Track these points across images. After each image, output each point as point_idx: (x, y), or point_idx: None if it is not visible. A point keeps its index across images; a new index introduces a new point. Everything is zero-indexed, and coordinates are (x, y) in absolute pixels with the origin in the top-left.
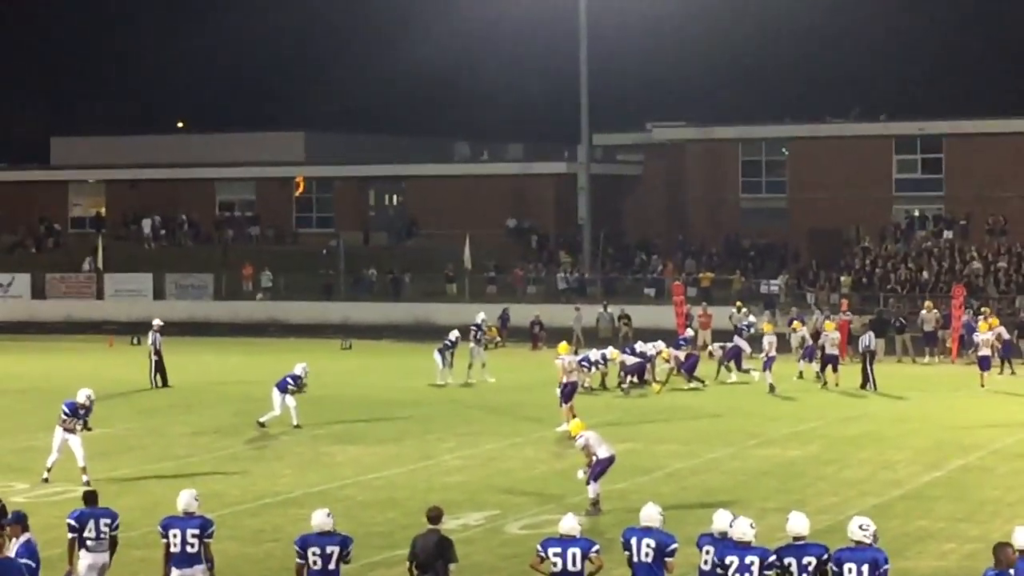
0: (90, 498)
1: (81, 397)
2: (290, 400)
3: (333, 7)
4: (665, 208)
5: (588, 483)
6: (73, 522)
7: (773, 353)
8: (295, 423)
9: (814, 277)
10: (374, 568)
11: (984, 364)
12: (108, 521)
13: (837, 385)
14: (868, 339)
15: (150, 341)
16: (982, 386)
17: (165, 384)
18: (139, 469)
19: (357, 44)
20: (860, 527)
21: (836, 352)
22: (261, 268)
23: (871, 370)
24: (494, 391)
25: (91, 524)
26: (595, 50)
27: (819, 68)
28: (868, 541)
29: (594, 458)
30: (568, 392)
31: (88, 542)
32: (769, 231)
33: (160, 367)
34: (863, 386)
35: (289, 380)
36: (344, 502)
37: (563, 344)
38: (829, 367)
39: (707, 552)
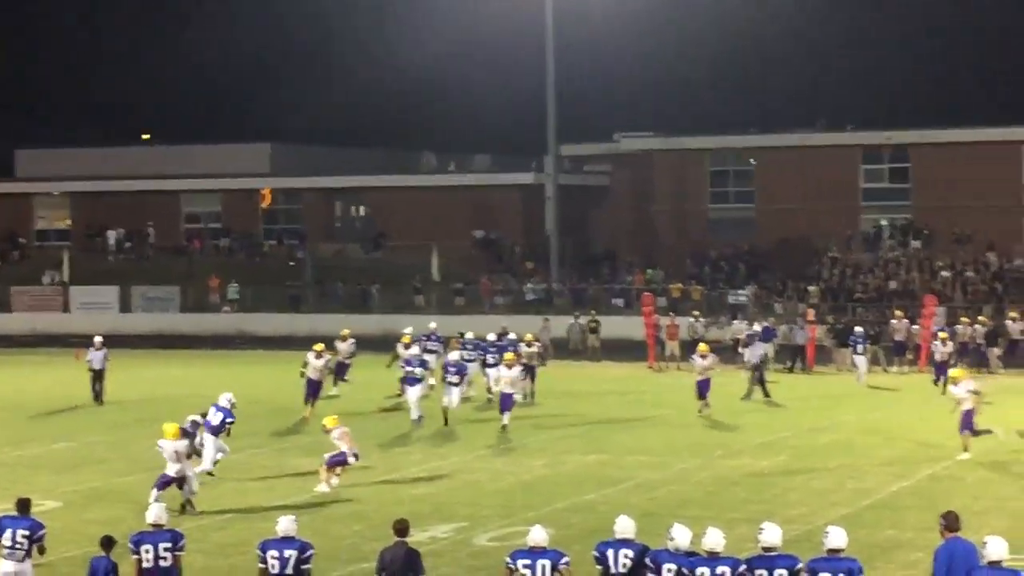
0: (21, 506)
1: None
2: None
3: (299, 20)
4: (633, 218)
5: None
6: None
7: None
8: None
9: (782, 287)
10: None
11: None
12: (26, 533)
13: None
14: (760, 349)
15: (88, 357)
16: None
17: (99, 400)
18: (105, 483)
19: (323, 56)
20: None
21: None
22: (228, 280)
23: (762, 381)
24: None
25: (8, 533)
26: (562, 60)
27: (786, 78)
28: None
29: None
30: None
31: (4, 551)
32: (737, 241)
33: (95, 383)
34: (766, 395)
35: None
36: (311, 515)
37: (508, 354)
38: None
39: (669, 570)
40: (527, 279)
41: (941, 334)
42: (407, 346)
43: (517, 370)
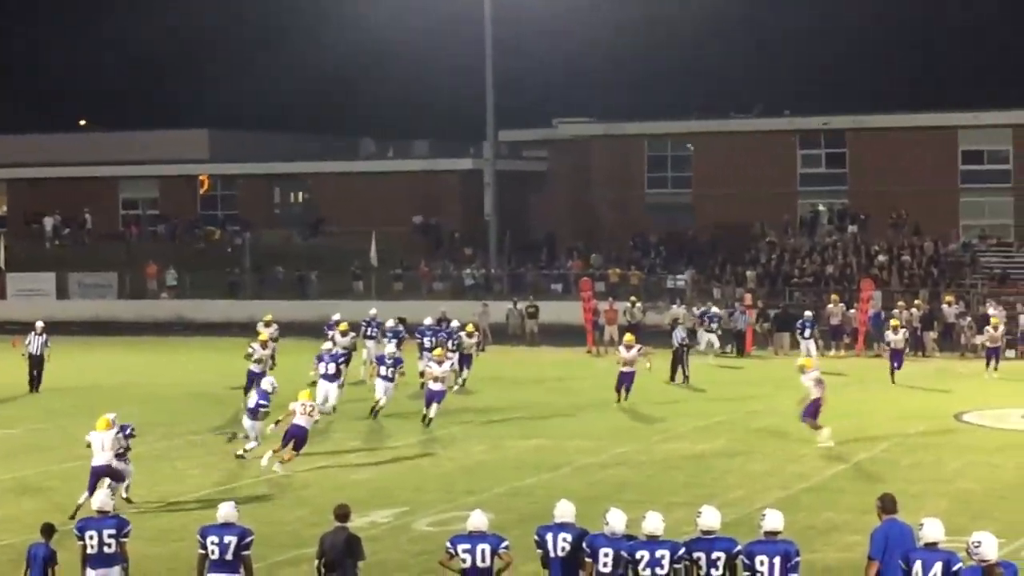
0: None
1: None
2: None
3: (238, 4)
4: (571, 204)
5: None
6: None
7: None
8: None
9: (720, 272)
10: (281, 567)
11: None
12: None
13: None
14: (681, 333)
15: (26, 341)
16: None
17: (35, 388)
18: (44, 470)
19: (262, 41)
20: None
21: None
22: (166, 267)
23: (684, 364)
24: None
25: None
26: (500, 46)
27: (724, 64)
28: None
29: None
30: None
31: None
32: (675, 226)
33: (32, 369)
34: (672, 379)
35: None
36: (251, 501)
37: (437, 350)
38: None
39: (605, 555)
40: (466, 264)
41: (893, 322)
42: (344, 334)
43: (448, 365)
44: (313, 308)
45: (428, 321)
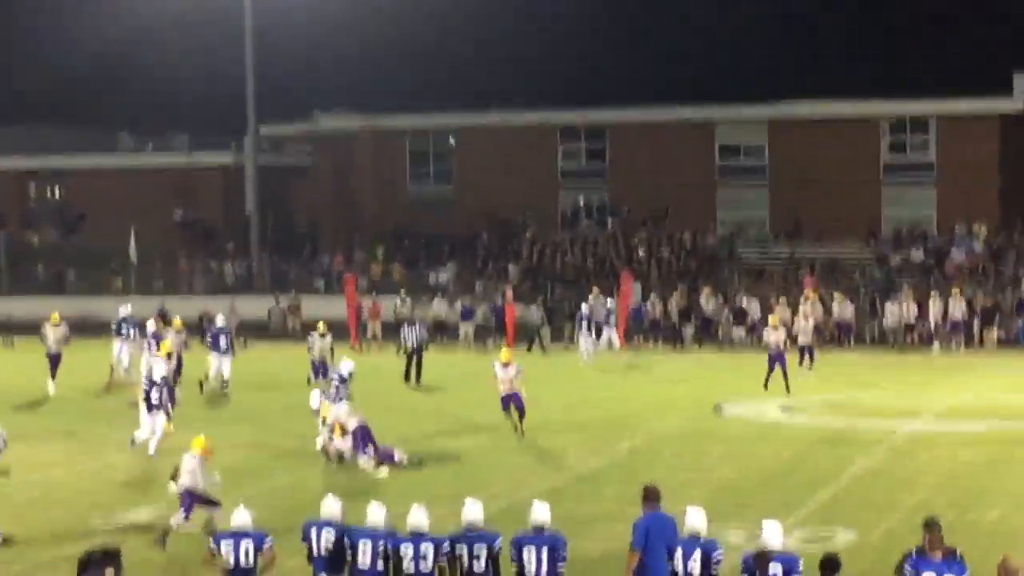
0: None
1: None
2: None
3: None
4: (334, 198)
5: None
6: None
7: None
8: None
9: (483, 266)
10: (39, 568)
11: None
12: None
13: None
14: (423, 333)
15: None
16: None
17: None
18: None
19: (11, 33)
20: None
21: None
22: None
23: (416, 363)
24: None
25: None
26: (261, 38)
27: (485, 56)
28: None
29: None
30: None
31: None
32: (439, 220)
33: None
34: (406, 379)
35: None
36: (5, 502)
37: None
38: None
39: (364, 548)
40: (227, 260)
41: (772, 319)
42: (179, 332)
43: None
44: (71, 306)
45: (220, 322)
